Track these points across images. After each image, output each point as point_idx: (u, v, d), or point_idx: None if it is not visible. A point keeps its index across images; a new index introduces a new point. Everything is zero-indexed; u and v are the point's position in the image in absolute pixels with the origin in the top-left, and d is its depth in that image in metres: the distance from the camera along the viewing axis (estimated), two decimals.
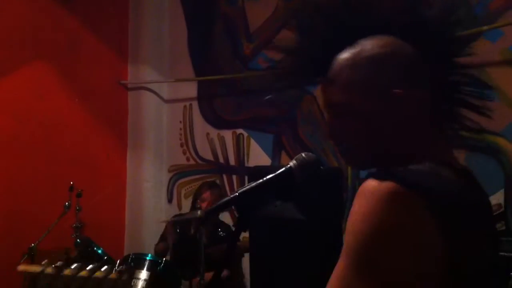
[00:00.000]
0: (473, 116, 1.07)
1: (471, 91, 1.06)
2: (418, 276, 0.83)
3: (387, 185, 0.85)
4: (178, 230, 3.93)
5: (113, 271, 1.11)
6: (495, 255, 0.99)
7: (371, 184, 0.87)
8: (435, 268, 0.84)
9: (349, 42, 1.05)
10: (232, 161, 4.61)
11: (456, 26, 1.08)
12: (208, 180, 4.47)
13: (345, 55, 1.04)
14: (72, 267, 1.06)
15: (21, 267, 1.02)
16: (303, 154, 1.18)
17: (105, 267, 1.11)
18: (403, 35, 1.04)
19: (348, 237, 0.87)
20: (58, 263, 1.04)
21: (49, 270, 1.02)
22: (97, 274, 1.08)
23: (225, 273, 3.60)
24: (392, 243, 0.84)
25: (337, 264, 0.88)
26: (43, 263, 1.02)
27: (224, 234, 3.89)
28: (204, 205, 3.83)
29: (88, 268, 1.08)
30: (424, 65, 1.02)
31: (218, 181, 4.41)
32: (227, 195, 4.09)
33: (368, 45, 1.03)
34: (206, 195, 3.93)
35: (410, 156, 0.99)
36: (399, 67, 1.01)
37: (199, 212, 3.62)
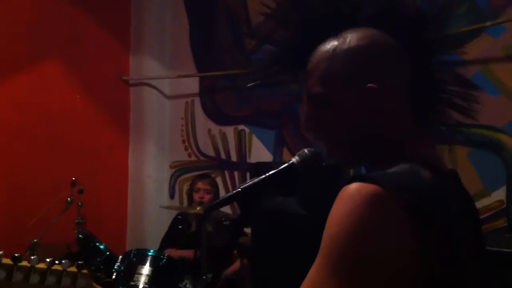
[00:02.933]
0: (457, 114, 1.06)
1: (456, 91, 1.05)
2: (390, 277, 0.83)
3: (364, 186, 0.86)
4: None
5: (74, 265, 1.11)
6: (476, 258, 0.97)
7: (349, 187, 0.88)
8: (408, 268, 0.84)
9: (331, 33, 1.05)
10: (233, 157, 4.62)
11: (446, 23, 1.07)
12: (199, 173, 4.52)
13: (325, 46, 1.04)
14: (32, 257, 1.06)
15: None
16: (306, 150, 1.18)
17: (65, 260, 1.11)
18: (387, 28, 1.03)
19: (324, 238, 0.88)
20: (16, 254, 1.04)
21: (6, 261, 1.01)
22: (56, 267, 1.08)
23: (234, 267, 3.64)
24: (366, 244, 0.84)
25: (312, 266, 0.88)
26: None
27: (228, 222, 3.91)
28: (198, 195, 3.95)
29: (47, 260, 1.08)
30: (404, 59, 1.02)
31: (213, 175, 4.42)
32: (217, 184, 4.05)
33: (348, 37, 1.03)
34: (199, 185, 4.03)
35: (389, 149, 1.00)
36: (377, 60, 1.01)
37: (198, 208, 3.66)
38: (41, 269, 1.06)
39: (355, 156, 1.05)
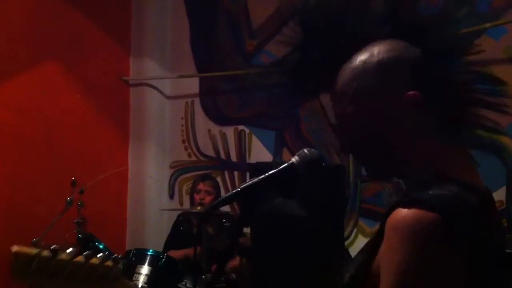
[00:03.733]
0: (490, 115, 1.04)
1: (485, 89, 1.02)
2: None
3: (423, 216, 0.85)
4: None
5: (110, 259, 1.11)
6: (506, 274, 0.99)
7: (405, 215, 0.87)
8: None
9: (352, 49, 1.03)
10: (233, 157, 4.62)
11: (457, 24, 1.06)
12: (200, 173, 4.51)
13: (352, 63, 1.02)
14: (68, 251, 1.06)
15: (16, 248, 1.02)
16: (306, 150, 1.18)
17: (101, 254, 1.11)
18: (406, 37, 1.02)
19: (389, 274, 0.87)
20: (54, 246, 1.04)
21: (45, 253, 1.01)
22: (93, 260, 1.08)
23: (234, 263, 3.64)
24: (430, 275, 0.84)
25: None
26: (35, 242, 1.02)
27: (229, 224, 3.91)
28: (199, 196, 3.90)
29: (84, 254, 1.08)
30: (429, 67, 1.00)
31: (213, 175, 4.42)
32: (219, 185, 4.05)
33: (375, 50, 1.01)
34: (200, 186, 3.99)
35: (427, 162, 0.99)
36: (407, 70, 0.99)
37: (199, 207, 3.66)
38: (78, 262, 1.06)
39: (398, 170, 1.04)
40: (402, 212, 0.88)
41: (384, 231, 0.91)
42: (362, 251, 1.06)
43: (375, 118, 1.00)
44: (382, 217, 0.94)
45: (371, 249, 0.97)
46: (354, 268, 1.02)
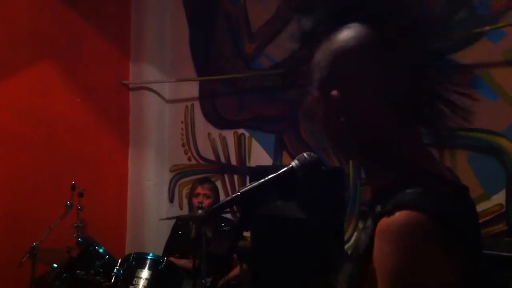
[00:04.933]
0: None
1: (450, 91, 1.00)
2: None
3: (411, 216, 0.87)
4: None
5: None
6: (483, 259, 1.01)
7: (388, 221, 0.89)
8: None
9: (325, 33, 1.04)
10: (233, 161, 4.61)
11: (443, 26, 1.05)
12: (199, 177, 4.51)
13: (322, 45, 1.04)
14: None
15: None
16: (305, 154, 1.18)
17: None
18: (376, 22, 1.01)
19: (384, 274, 0.88)
20: None
21: None
22: None
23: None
24: (427, 274, 0.86)
25: None
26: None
27: (227, 228, 3.90)
28: (198, 200, 3.90)
29: None
30: (392, 59, 0.99)
31: (213, 179, 4.42)
32: (218, 188, 4.03)
33: (340, 36, 1.02)
34: (198, 190, 4.01)
35: (389, 153, 1.00)
36: (360, 60, 1.00)
37: (199, 211, 3.65)
38: None
39: (356, 157, 1.07)
40: (389, 219, 0.89)
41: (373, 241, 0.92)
42: (349, 260, 1.07)
43: (332, 101, 1.01)
44: (371, 230, 0.95)
45: (363, 258, 0.97)
46: (347, 281, 1.02)
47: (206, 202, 3.90)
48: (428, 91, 1.00)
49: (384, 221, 0.89)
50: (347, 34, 1.01)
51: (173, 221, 4.23)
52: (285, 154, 4.33)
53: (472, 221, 0.98)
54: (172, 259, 3.78)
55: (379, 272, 0.89)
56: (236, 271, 3.63)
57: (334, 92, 1.00)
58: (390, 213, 0.89)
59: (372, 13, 1.01)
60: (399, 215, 0.87)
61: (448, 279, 0.86)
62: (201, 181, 4.15)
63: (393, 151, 1.00)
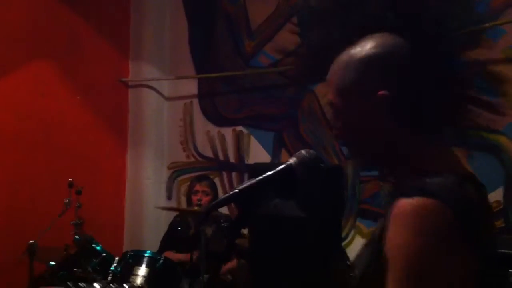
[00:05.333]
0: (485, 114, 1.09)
1: (480, 89, 1.07)
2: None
3: (428, 202, 0.88)
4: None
5: None
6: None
7: (404, 204, 0.90)
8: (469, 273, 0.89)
9: (349, 41, 1.06)
10: (232, 159, 4.61)
11: (453, 23, 1.08)
12: (197, 174, 4.50)
13: (342, 56, 1.06)
14: None
15: None
16: (304, 151, 1.18)
17: None
18: (402, 33, 1.04)
19: (396, 255, 0.89)
20: None
21: None
22: None
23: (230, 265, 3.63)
24: (438, 259, 0.87)
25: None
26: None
27: (227, 224, 3.90)
28: (196, 198, 3.90)
29: None
30: (414, 65, 1.02)
31: (211, 176, 4.41)
32: (216, 186, 4.04)
33: (363, 46, 1.04)
34: (197, 187, 4.01)
35: (409, 155, 1.01)
36: (389, 68, 1.01)
37: (196, 207, 3.65)
38: None
39: (379, 163, 1.09)
40: (404, 202, 0.90)
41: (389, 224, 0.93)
42: (367, 245, 1.09)
43: (352, 110, 1.04)
44: (385, 213, 0.96)
45: (378, 242, 0.98)
46: (363, 264, 1.03)
47: (205, 199, 3.90)
48: (458, 94, 1.04)
49: (400, 205, 0.90)
50: (373, 42, 1.04)
51: (170, 218, 4.22)
52: (283, 152, 4.32)
53: (487, 215, 1.00)
54: (169, 254, 3.78)
55: (390, 252, 0.90)
56: (231, 264, 3.62)
57: (381, 93, 1.00)
58: (407, 195, 0.90)
59: (399, 23, 1.04)
60: (416, 200, 0.89)
61: (459, 264, 0.87)
62: (199, 179, 4.14)
63: (407, 158, 1.02)
